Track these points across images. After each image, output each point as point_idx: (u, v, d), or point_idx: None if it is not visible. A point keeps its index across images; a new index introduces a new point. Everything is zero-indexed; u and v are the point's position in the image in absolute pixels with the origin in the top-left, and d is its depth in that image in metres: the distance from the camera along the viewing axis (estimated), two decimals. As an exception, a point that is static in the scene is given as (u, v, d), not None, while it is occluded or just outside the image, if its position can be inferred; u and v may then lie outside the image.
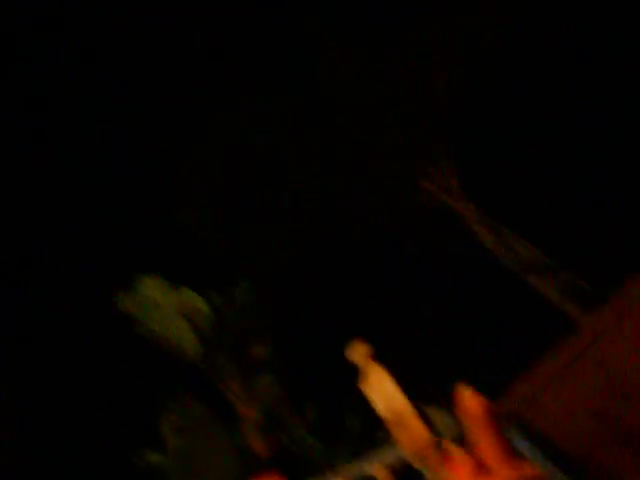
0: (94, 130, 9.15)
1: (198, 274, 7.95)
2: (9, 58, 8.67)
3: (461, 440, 3.22)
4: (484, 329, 8.77)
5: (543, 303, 7.78)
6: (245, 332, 7.34)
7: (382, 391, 2.33)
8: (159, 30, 8.84)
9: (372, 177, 7.92)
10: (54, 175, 9.03)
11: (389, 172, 7.94)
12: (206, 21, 8.67)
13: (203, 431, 6.86)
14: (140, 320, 7.30)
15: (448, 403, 3.47)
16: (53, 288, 8.58)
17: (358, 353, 2.41)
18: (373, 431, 6.69)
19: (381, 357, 2.52)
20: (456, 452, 3.19)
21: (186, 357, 7.34)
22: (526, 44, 7.72)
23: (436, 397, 3.30)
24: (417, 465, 4.08)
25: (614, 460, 3.18)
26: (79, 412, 8.77)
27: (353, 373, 2.40)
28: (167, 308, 7.20)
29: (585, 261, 8.09)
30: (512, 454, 1.52)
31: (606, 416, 5.43)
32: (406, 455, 4.04)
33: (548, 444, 4.99)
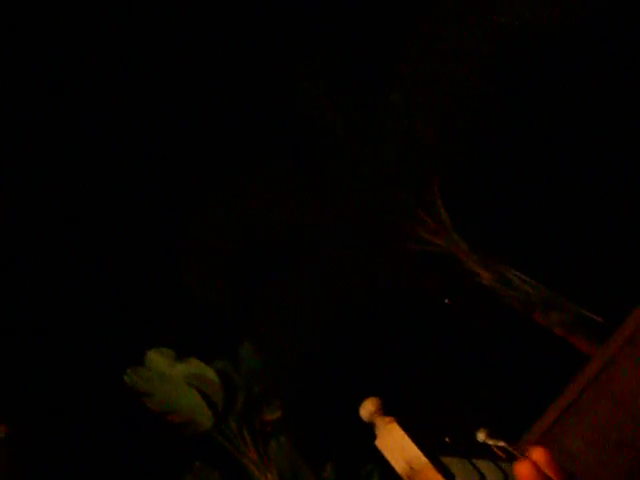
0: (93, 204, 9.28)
1: (203, 341, 7.94)
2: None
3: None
4: (494, 372, 8.71)
5: (551, 338, 7.75)
6: (255, 397, 7.29)
7: (397, 447, 2.33)
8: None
9: (365, 231, 8.00)
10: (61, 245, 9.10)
11: (377, 223, 8.02)
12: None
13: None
14: (149, 394, 7.26)
15: (466, 451, 3.44)
16: (63, 369, 8.55)
17: (369, 411, 2.42)
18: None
19: (394, 411, 2.53)
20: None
21: (198, 427, 7.27)
22: (513, 85, 7.93)
23: (453, 446, 3.28)
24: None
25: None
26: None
27: (369, 429, 2.39)
28: (176, 380, 7.17)
29: (591, 292, 8.09)
30: None
31: (627, 444, 5.36)
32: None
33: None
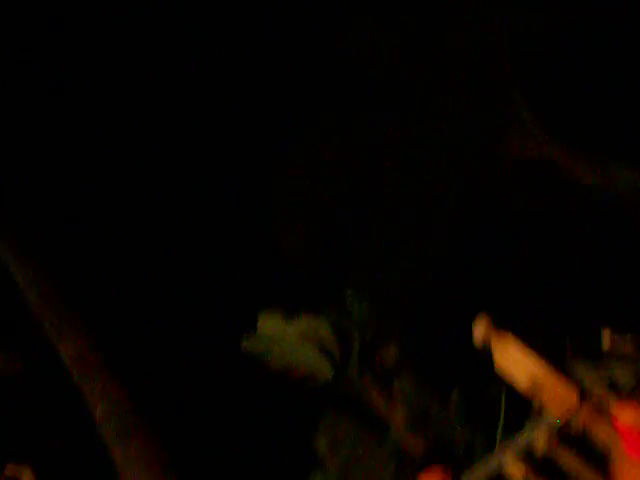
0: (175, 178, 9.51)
1: (309, 298, 8.09)
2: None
3: (612, 387, 3.11)
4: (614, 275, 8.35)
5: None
6: (370, 343, 7.41)
7: (516, 360, 2.30)
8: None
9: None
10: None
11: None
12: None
13: (356, 445, 6.98)
14: (267, 357, 7.53)
15: (590, 356, 3.35)
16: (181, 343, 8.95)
17: (483, 329, 2.41)
18: (521, 408, 6.52)
19: (509, 326, 2.49)
20: (614, 402, 3.07)
21: (318, 380, 7.49)
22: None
23: (575, 350, 3.18)
24: (573, 429, 3.95)
25: None
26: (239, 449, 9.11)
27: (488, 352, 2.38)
28: (290, 339, 7.39)
29: None
30: None
31: None
32: (556, 421, 3.93)
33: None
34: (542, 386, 2.19)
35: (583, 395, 2.22)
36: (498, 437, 6.53)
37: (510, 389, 6.64)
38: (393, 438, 7.03)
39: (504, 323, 2.49)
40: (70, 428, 7.89)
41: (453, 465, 2.39)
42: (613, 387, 3.41)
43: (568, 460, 3.94)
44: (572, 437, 4.29)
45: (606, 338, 4.53)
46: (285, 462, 7.98)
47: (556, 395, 2.18)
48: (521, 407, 6.50)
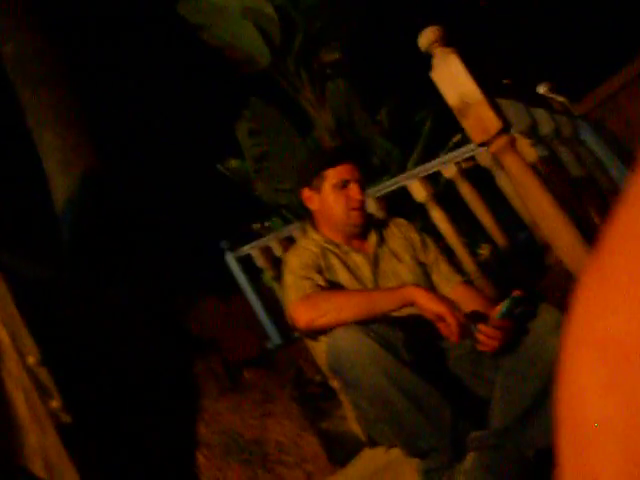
0: None
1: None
2: None
3: (532, 133, 3.15)
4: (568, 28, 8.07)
5: None
6: (313, 36, 7.04)
7: (452, 79, 2.21)
8: None
9: None
10: None
11: None
12: None
13: (277, 135, 7.08)
14: (205, 27, 7.09)
15: (524, 98, 3.33)
16: None
17: (428, 39, 2.25)
18: (448, 134, 6.69)
19: (457, 44, 2.35)
20: (523, 142, 3.08)
21: (255, 64, 7.25)
22: None
23: (512, 90, 3.15)
24: (486, 161, 4.11)
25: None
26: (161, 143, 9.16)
27: (426, 69, 2.25)
28: (232, 12, 6.89)
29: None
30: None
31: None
32: (477, 151, 4.05)
33: (618, 142, 4.87)
34: (469, 109, 2.13)
35: (505, 127, 2.19)
36: (414, 156, 6.82)
37: (438, 117, 6.76)
38: (315, 137, 7.17)
39: (456, 40, 2.32)
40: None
41: (365, 166, 2.40)
42: (534, 130, 3.47)
43: (467, 193, 4.18)
44: (479, 172, 4.50)
45: (542, 89, 4.52)
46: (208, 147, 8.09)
47: (480, 121, 2.14)
48: (443, 139, 6.69)
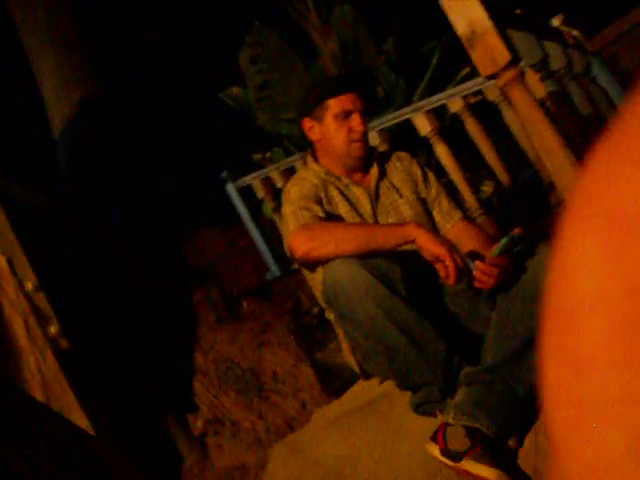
0: None
1: None
2: None
3: (543, 67, 3.05)
4: None
5: None
6: None
7: (462, 6, 2.12)
8: None
9: None
10: None
11: None
12: None
13: (280, 62, 6.89)
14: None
15: (536, 30, 3.20)
16: None
17: None
18: (456, 67, 6.51)
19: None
20: (533, 76, 2.99)
21: (260, -12, 6.97)
22: None
23: (524, 21, 3.03)
24: (493, 95, 4.00)
25: None
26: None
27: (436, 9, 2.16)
28: None
29: None
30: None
31: None
32: (485, 84, 3.94)
33: (631, 81, 4.73)
34: (479, 39, 2.05)
35: (514, 60, 2.11)
36: (420, 89, 6.66)
37: (447, 49, 6.56)
38: (319, 65, 6.98)
39: None
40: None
41: (369, 97, 2.34)
42: (545, 64, 3.37)
43: (473, 128, 4.09)
44: (486, 107, 4.38)
45: (556, 21, 4.36)
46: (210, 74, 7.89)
47: (489, 52, 2.05)
48: (451, 72, 6.52)
